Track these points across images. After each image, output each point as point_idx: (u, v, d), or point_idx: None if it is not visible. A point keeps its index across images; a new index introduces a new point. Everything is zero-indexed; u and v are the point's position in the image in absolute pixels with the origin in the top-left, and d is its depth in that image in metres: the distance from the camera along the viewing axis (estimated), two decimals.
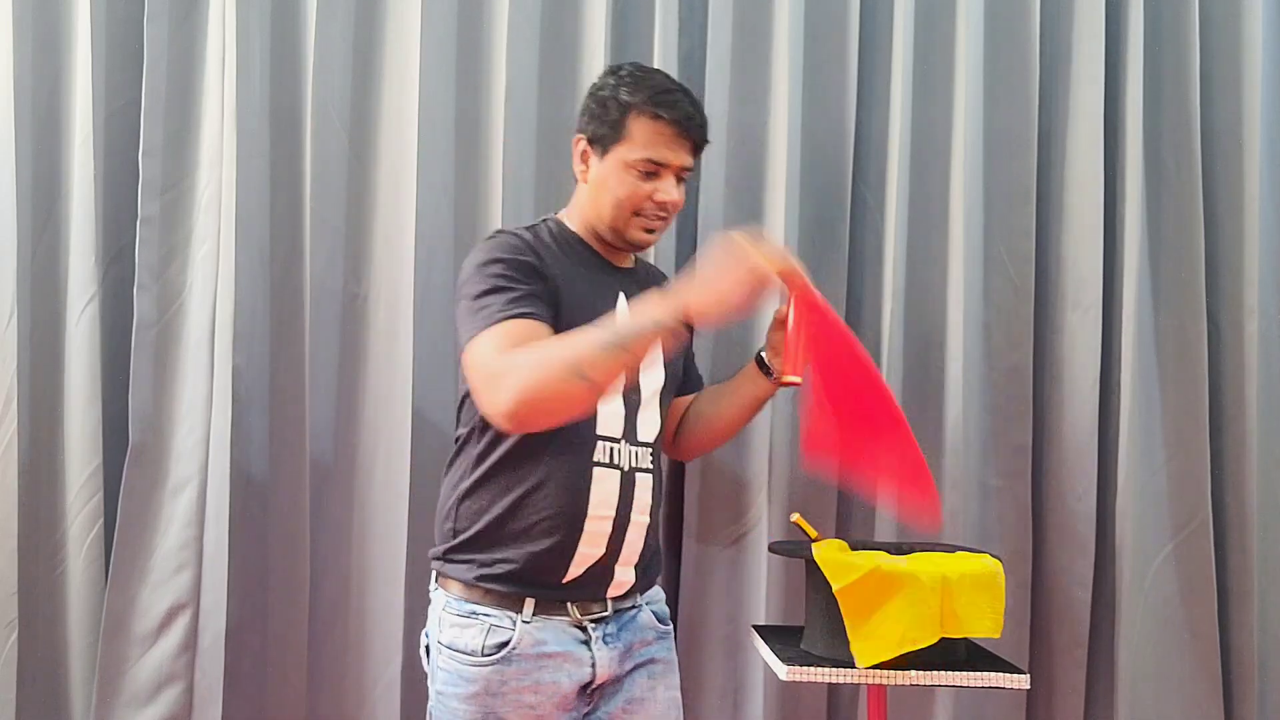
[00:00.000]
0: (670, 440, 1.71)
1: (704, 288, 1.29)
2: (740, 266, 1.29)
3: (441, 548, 1.49)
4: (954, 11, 1.93)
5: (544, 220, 1.56)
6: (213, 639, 1.81)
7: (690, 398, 1.72)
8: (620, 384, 1.44)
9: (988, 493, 1.92)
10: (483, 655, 1.41)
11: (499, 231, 1.51)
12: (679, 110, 1.47)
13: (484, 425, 1.44)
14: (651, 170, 1.47)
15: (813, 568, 1.59)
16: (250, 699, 1.84)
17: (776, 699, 1.87)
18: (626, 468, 1.48)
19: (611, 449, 1.47)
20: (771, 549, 1.75)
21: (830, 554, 1.53)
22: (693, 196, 1.93)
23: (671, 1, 1.90)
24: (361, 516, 1.89)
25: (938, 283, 1.94)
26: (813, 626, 1.61)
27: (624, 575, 1.50)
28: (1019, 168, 1.94)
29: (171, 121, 1.87)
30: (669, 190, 1.49)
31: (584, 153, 1.52)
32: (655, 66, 1.89)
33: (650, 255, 1.87)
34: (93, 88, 1.85)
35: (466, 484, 1.47)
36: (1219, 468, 1.95)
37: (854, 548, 1.66)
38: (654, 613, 1.58)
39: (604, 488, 1.46)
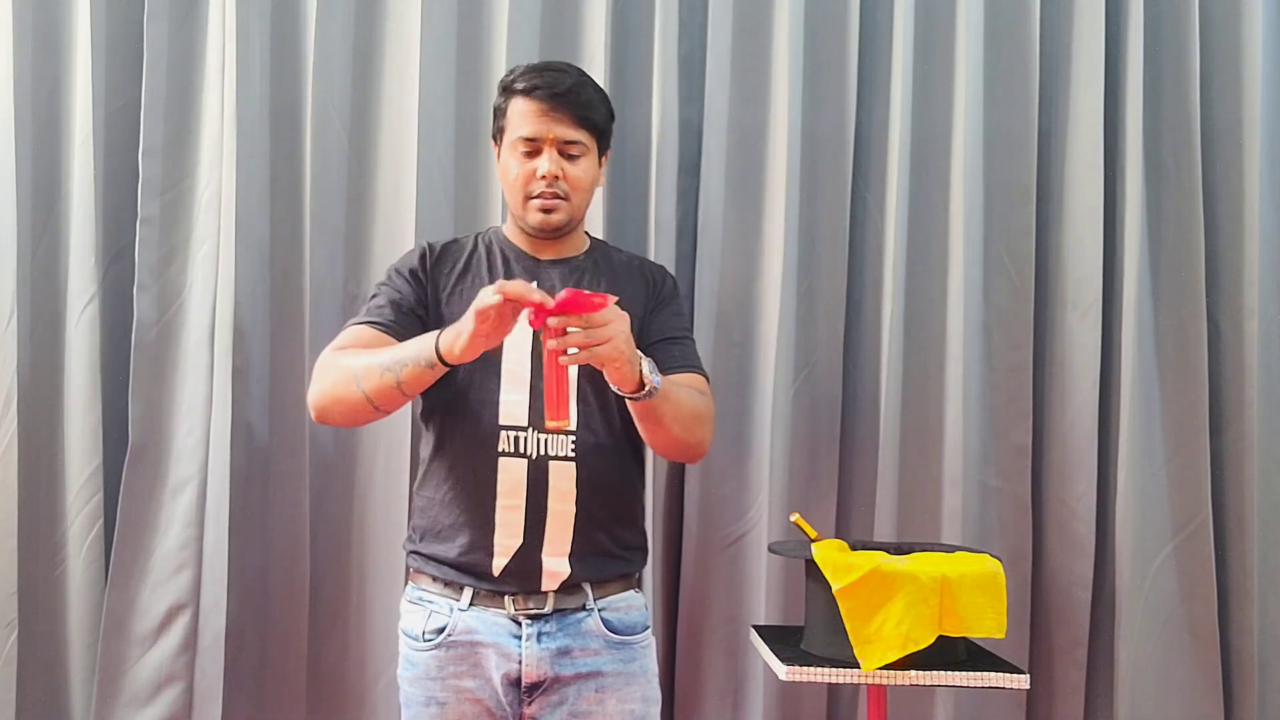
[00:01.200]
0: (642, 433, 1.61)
1: (452, 328, 1.35)
2: (473, 306, 1.31)
3: (407, 540, 1.57)
4: (954, 11, 1.93)
5: (490, 228, 1.65)
6: (213, 639, 1.81)
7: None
8: (524, 372, 1.48)
9: (988, 493, 1.92)
10: (423, 640, 1.49)
11: (423, 240, 1.62)
12: (546, 88, 1.49)
13: (425, 425, 1.55)
14: (531, 148, 1.51)
15: (813, 568, 1.59)
16: (250, 699, 1.84)
17: (776, 699, 1.87)
18: (535, 455, 1.47)
19: (516, 438, 1.48)
20: (771, 549, 1.75)
21: (830, 554, 1.53)
22: (693, 196, 1.94)
23: (671, 1, 1.90)
24: (361, 516, 1.89)
25: (938, 283, 1.94)
26: (813, 626, 1.61)
27: (555, 566, 1.47)
28: (1019, 168, 1.94)
29: (171, 121, 1.87)
30: (544, 163, 1.50)
31: (496, 154, 1.59)
32: (655, 65, 1.90)
33: (650, 253, 1.88)
34: (93, 88, 1.85)
35: (417, 482, 1.57)
36: (1219, 468, 1.95)
37: (854, 548, 1.66)
38: (608, 621, 1.50)
39: (509, 477, 1.47)
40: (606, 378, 1.37)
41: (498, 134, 1.58)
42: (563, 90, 1.50)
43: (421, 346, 1.37)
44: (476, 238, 1.62)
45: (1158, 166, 1.96)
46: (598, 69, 1.88)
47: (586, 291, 1.29)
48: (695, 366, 1.58)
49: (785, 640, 1.65)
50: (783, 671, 1.52)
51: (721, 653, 1.89)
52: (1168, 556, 1.93)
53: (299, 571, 1.85)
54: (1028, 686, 1.53)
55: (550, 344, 1.29)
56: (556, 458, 1.48)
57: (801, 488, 1.90)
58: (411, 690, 1.50)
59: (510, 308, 1.29)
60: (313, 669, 1.87)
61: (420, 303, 1.53)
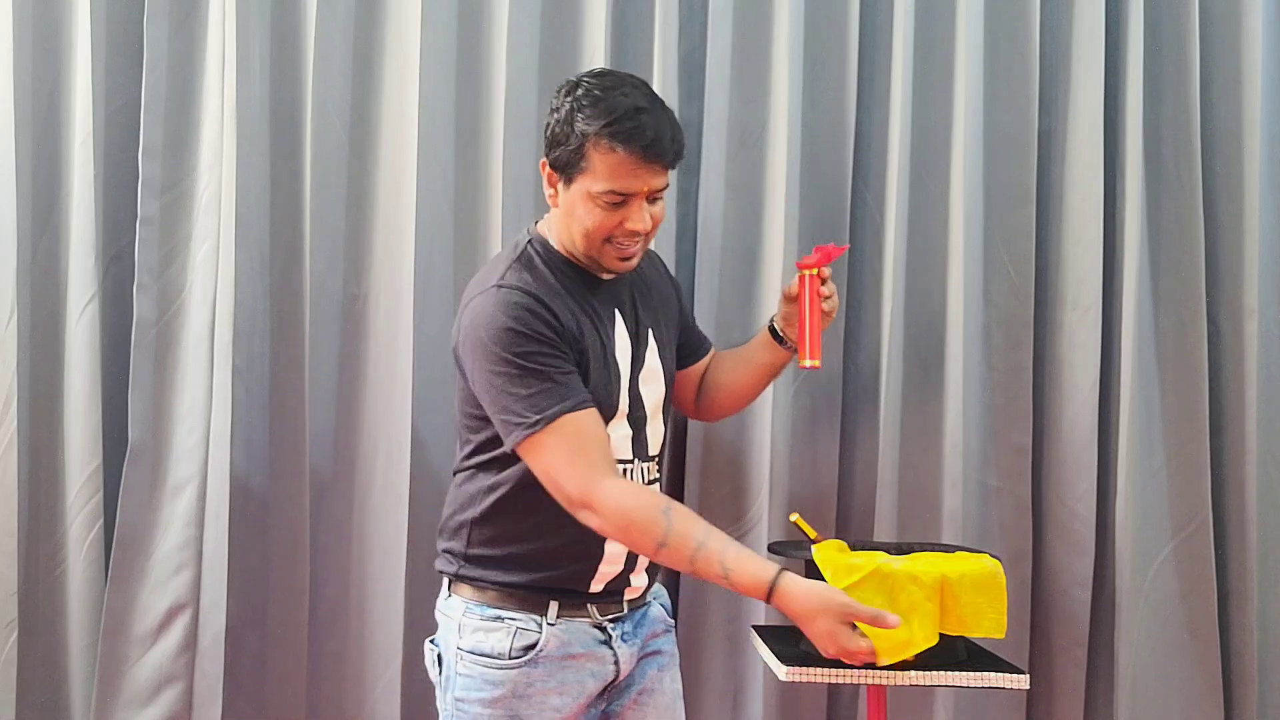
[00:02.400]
0: (693, 405, 1.73)
1: (812, 633, 1.36)
2: (836, 650, 1.36)
3: (456, 563, 1.48)
4: (954, 11, 1.93)
5: (529, 243, 1.47)
6: (213, 639, 1.81)
7: (705, 363, 1.70)
8: (623, 407, 1.46)
9: (988, 493, 1.92)
10: (510, 658, 1.41)
11: (506, 288, 1.39)
12: (641, 138, 1.34)
13: (503, 456, 1.42)
14: (618, 200, 1.37)
15: (813, 568, 1.59)
16: (250, 699, 1.85)
17: (776, 699, 1.87)
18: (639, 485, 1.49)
19: (625, 471, 1.47)
20: (771, 549, 1.75)
21: (830, 554, 1.53)
22: (693, 196, 1.93)
23: (671, 1, 1.90)
24: (361, 516, 1.89)
25: (938, 283, 1.94)
26: None
27: (639, 581, 1.52)
28: (1019, 168, 1.94)
29: (171, 121, 1.86)
30: (638, 219, 1.39)
31: (549, 177, 1.43)
32: (655, 65, 1.89)
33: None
34: (93, 88, 1.85)
35: (480, 509, 1.46)
36: (1219, 468, 1.95)
37: (854, 548, 1.66)
38: (661, 605, 1.62)
39: None
40: (785, 332, 1.63)
41: (566, 164, 1.38)
42: (664, 143, 1.36)
43: (757, 578, 1.32)
44: (541, 264, 1.45)
45: (1158, 166, 1.96)
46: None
47: (828, 247, 1.59)
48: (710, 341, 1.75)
49: (785, 640, 1.65)
50: (783, 671, 1.52)
51: (721, 653, 1.89)
52: (1168, 556, 1.93)
53: (299, 571, 1.85)
54: (1028, 686, 1.53)
55: (825, 289, 1.57)
56: (650, 482, 1.52)
57: (801, 488, 1.90)
58: (489, 712, 1.41)
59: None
60: (313, 669, 1.87)
61: (569, 358, 1.39)
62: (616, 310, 1.49)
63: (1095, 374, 1.91)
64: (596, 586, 1.47)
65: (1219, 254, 1.98)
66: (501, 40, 1.88)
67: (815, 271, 1.57)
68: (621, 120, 1.34)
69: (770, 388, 1.86)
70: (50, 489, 1.87)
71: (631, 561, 1.49)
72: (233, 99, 1.83)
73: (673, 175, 1.87)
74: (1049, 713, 1.93)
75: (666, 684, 1.57)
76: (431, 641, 1.52)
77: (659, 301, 1.59)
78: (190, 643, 1.83)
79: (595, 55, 1.88)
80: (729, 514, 1.89)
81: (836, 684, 1.91)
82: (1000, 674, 1.51)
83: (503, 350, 1.35)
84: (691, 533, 1.34)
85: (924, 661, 1.50)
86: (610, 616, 1.49)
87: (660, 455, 1.57)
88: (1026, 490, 1.92)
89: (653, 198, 1.41)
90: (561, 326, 1.39)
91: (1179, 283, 1.95)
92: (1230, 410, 1.95)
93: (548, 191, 1.45)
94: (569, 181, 1.40)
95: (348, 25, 1.90)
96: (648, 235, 1.44)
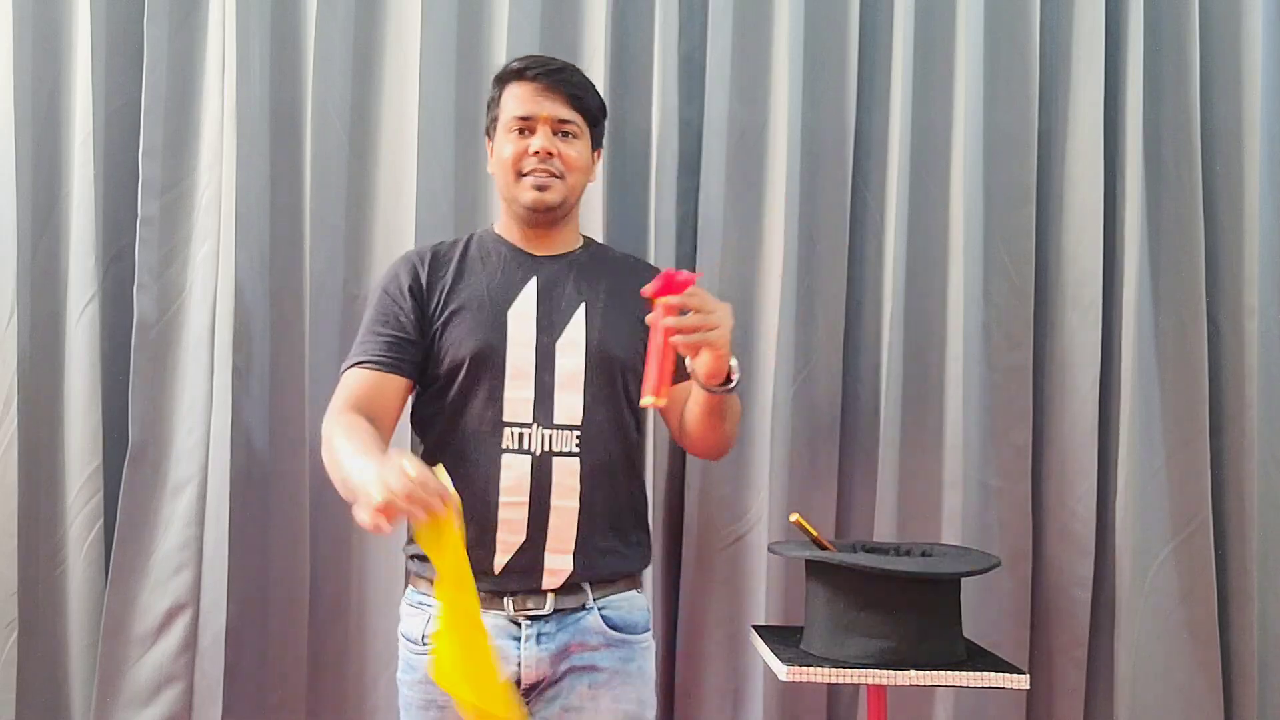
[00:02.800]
0: (677, 433, 1.61)
1: (360, 484, 1.27)
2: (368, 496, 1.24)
3: (405, 545, 1.58)
4: (954, 11, 1.93)
5: (477, 230, 1.64)
6: (213, 639, 1.81)
7: (687, 388, 1.55)
8: (524, 367, 1.49)
9: (988, 493, 1.92)
10: (421, 643, 1.49)
11: (408, 250, 1.64)
12: (536, 68, 1.52)
13: (424, 422, 1.55)
14: (525, 126, 1.52)
15: (813, 567, 1.60)
16: (250, 699, 1.84)
17: (776, 699, 1.87)
18: (539, 452, 1.47)
19: (520, 434, 1.47)
20: (771, 549, 1.75)
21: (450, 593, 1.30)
22: (692, 196, 1.94)
23: (671, 1, 1.90)
24: None
25: (938, 283, 1.94)
26: (813, 626, 1.61)
27: (557, 563, 1.47)
28: (1019, 168, 1.94)
29: (171, 121, 1.87)
30: (537, 140, 1.51)
31: (489, 149, 1.59)
32: (655, 65, 1.90)
33: (650, 254, 1.88)
34: (93, 88, 1.85)
35: None
36: (1219, 468, 1.95)
37: (854, 548, 1.66)
38: (609, 618, 1.50)
39: (513, 473, 1.46)
40: (697, 368, 1.41)
41: (491, 125, 1.58)
42: (556, 69, 1.53)
43: (360, 482, 1.27)
44: (465, 240, 1.61)
45: (1158, 166, 1.96)
46: (598, 69, 1.88)
47: (674, 271, 1.36)
48: None
49: (785, 640, 1.65)
50: (783, 671, 1.52)
51: (721, 653, 1.89)
52: (1168, 556, 1.93)
53: (299, 571, 1.85)
54: (1028, 686, 1.53)
55: (667, 321, 1.32)
56: (561, 453, 1.48)
57: (801, 488, 1.90)
58: (411, 694, 1.50)
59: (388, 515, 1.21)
60: (313, 669, 1.87)
61: (417, 322, 1.51)
62: (534, 278, 1.55)
63: (1095, 374, 1.91)
64: (502, 559, 1.45)
65: (1219, 254, 1.97)
66: (501, 40, 1.88)
67: (665, 301, 1.34)
68: (523, 60, 1.55)
69: (770, 387, 1.86)
70: (50, 489, 1.87)
71: (538, 536, 1.46)
72: (233, 99, 1.83)
73: (675, 178, 1.91)
74: (1049, 713, 1.93)
75: (603, 704, 1.47)
76: None
77: (627, 295, 1.53)
78: (190, 643, 1.83)
79: (595, 55, 1.88)
80: (729, 514, 1.90)
81: (836, 684, 1.91)
82: (1000, 674, 1.51)
83: (370, 299, 1.58)
84: (340, 463, 1.33)
85: (924, 661, 1.50)
86: (529, 613, 1.46)
87: (589, 431, 1.48)
88: (1026, 490, 1.92)
89: (561, 132, 1.52)
90: (425, 282, 1.53)
91: (1179, 283, 1.95)
92: (1230, 410, 1.95)
93: (490, 166, 1.60)
94: (492, 136, 1.58)
95: (348, 25, 1.90)
96: (564, 174, 1.52)
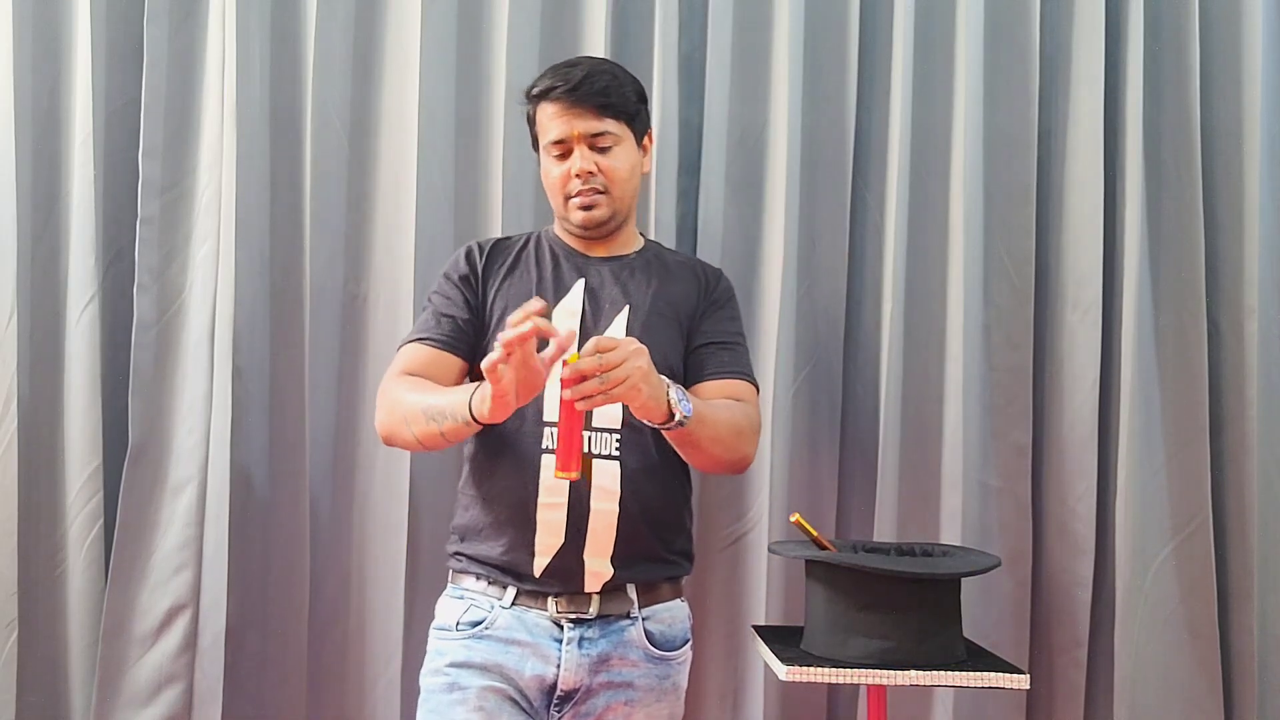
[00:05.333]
0: None
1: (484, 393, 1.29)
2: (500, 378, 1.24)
3: (450, 542, 1.56)
4: (954, 11, 1.93)
5: (542, 228, 1.65)
6: (213, 639, 1.81)
7: (709, 392, 1.53)
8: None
9: (988, 493, 1.92)
10: (455, 630, 1.47)
11: (473, 240, 1.62)
12: (556, 81, 1.50)
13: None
14: (562, 150, 1.51)
15: (813, 567, 1.60)
16: (250, 699, 1.84)
17: (776, 699, 1.87)
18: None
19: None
20: (771, 549, 1.75)
21: None
22: (692, 196, 1.94)
23: (671, 2, 1.90)
24: (361, 516, 1.89)
25: (938, 283, 1.94)
26: (813, 626, 1.61)
27: (597, 567, 1.45)
28: (1019, 168, 1.94)
29: (171, 121, 1.87)
30: (576, 161, 1.50)
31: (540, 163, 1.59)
32: (655, 65, 1.89)
33: None
34: (93, 88, 1.85)
35: (461, 480, 1.56)
36: (1219, 468, 1.95)
37: (854, 548, 1.66)
38: (651, 632, 1.49)
39: (549, 474, 1.44)
40: (632, 412, 1.34)
41: (535, 142, 1.58)
42: (575, 84, 1.49)
43: (458, 403, 1.35)
44: (527, 237, 1.63)
45: (1158, 166, 1.96)
46: None
47: (551, 333, 1.24)
48: (744, 374, 1.56)
49: (785, 640, 1.65)
50: (783, 671, 1.52)
51: (721, 653, 1.89)
52: (1168, 556, 1.93)
53: (299, 571, 1.85)
54: (1028, 686, 1.53)
55: (565, 393, 1.24)
56: (601, 456, 1.46)
57: (801, 488, 1.90)
58: (433, 679, 1.46)
59: (521, 351, 1.21)
60: (313, 669, 1.87)
61: (472, 308, 1.54)
62: (583, 280, 1.56)
63: (1095, 374, 1.91)
64: (543, 561, 1.44)
65: (1219, 254, 1.97)
66: (501, 40, 1.88)
67: (562, 374, 1.25)
68: (545, 77, 1.52)
69: (770, 387, 1.86)
70: (50, 489, 1.87)
71: (576, 538, 1.44)
72: (233, 99, 1.83)
73: (675, 178, 1.91)
74: (1049, 713, 1.93)
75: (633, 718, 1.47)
76: None
77: (669, 295, 1.56)
78: (190, 643, 1.83)
79: (595, 55, 1.88)
80: (729, 514, 1.90)
81: (836, 684, 1.91)
82: (1000, 674, 1.51)
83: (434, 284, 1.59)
84: (422, 403, 1.39)
85: (924, 661, 1.50)
86: (572, 616, 1.45)
87: (629, 434, 1.47)
88: (1026, 490, 1.92)
89: (598, 146, 1.51)
90: (482, 269, 1.55)
91: (1179, 283, 1.94)
92: (1230, 410, 1.95)
93: (543, 181, 1.59)
94: (538, 153, 1.57)
95: (348, 25, 1.90)
96: (608, 188, 1.52)
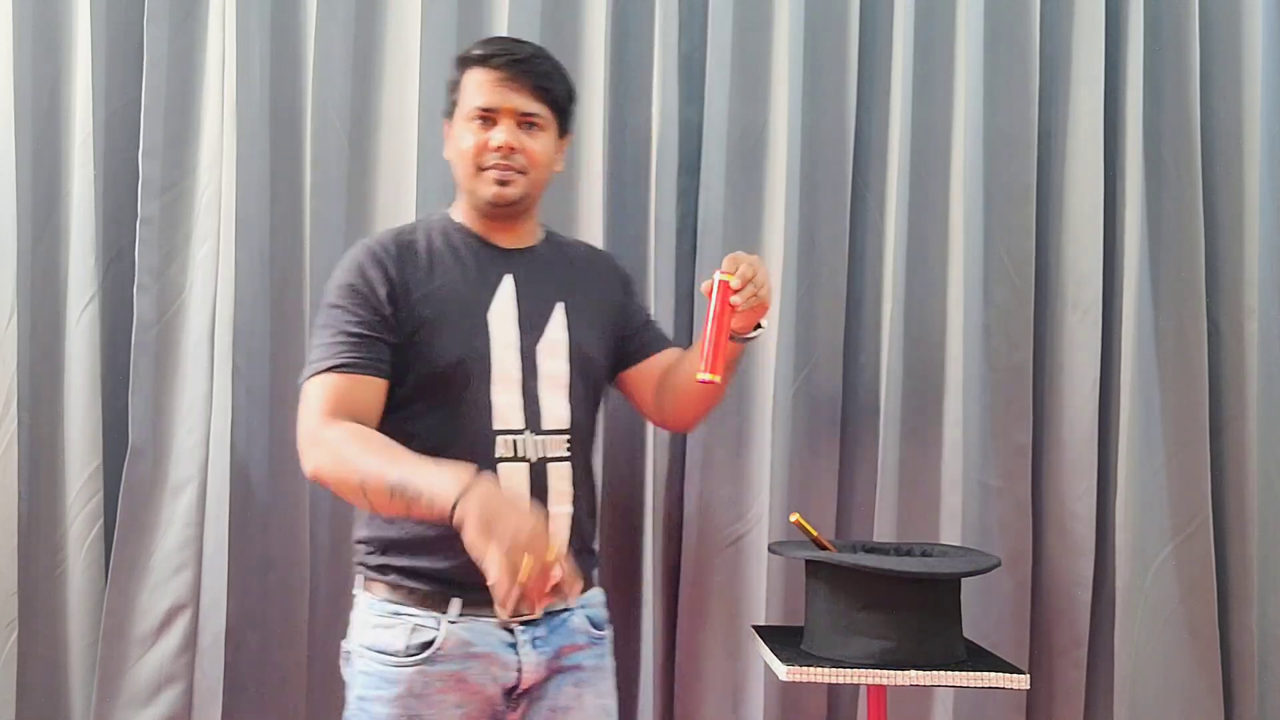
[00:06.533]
0: (652, 407, 1.60)
1: (482, 523, 1.19)
2: (510, 545, 1.18)
3: (363, 552, 1.47)
4: (954, 11, 1.93)
5: (430, 214, 1.55)
6: (213, 639, 1.81)
7: (660, 361, 1.59)
8: (510, 371, 1.43)
9: (988, 493, 1.92)
10: (405, 655, 1.39)
11: (366, 241, 1.47)
12: (500, 50, 1.45)
13: (404, 437, 1.38)
14: (486, 117, 1.44)
15: (813, 567, 1.60)
16: (250, 699, 1.84)
17: (776, 699, 1.87)
18: (535, 459, 1.43)
19: (515, 442, 1.42)
20: (771, 549, 1.75)
21: None
22: (692, 196, 1.94)
23: (671, 2, 1.90)
24: (361, 516, 1.88)
25: (938, 283, 1.94)
26: (813, 626, 1.61)
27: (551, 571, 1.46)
28: (1019, 168, 1.94)
29: (171, 121, 1.86)
30: (499, 134, 1.44)
31: (445, 132, 1.52)
32: (655, 65, 1.89)
33: (650, 253, 1.88)
34: (93, 88, 1.85)
35: None
36: (1219, 468, 1.95)
37: (855, 548, 1.66)
38: (589, 617, 1.51)
39: (512, 483, 1.41)
40: (739, 321, 1.39)
41: (450, 109, 1.50)
42: (522, 58, 1.45)
43: (437, 494, 1.22)
44: (423, 227, 1.51)
45: (1158, 166, 1.96)
46: (597, 69, 1.88)
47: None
48: (673, 343, 1.66)
49: (785, 640, 1.65)
50: (783, 671, 1.52)
51: (721, 653, 1.89)
52: (1168, 556, 1.93)
53: (299, 571, 1.85)
54: (1028, 686, 1.53)
55: (735, 299, 1.35)
56: (554, 459, 1.45)
57: (801, 488, 1.90)
58: (387, 710, 1.39)
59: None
60: (313, 669, 1.86)
61: (386, 319, 1.41)
62: (509, 276, 1.48)
63: (1095, 374, 1.91)
64: None
65: (1219, 254, 1.98)
66: None
67: (729, 278, 1.37)
68: (487, 44, 1.48)
69: (770, 387, 1.86)
70: (50, 489, 1.86)
71: None
72: (233, 99, 1.83)
73: (675, 178, 1.91)
74: (1049, 713, 1.93)
75: (588, 701, 1.48)
76: (346, 639, 1.49)
77: (588, 287, 1.55)
78: (190, 643, 1.83)
79: (595, 55, 1.88)
80: (729, 514, 1.90)
81: (836, 684, 1.91)
82: (1000, 674, 1.51)
83: (330, 296, 1.44)
84: (381, 472, 1.27)
85: (924, 661, 1.50)
86: (520, 618, 1.42)
87: (575, 435, 1.48)
88: (1026, 490, 1.92)
89: (527, 126, 1.46)
90: (398, 280, 1.42)
91: (1179, 283, 1.95)
92: (1230, 410, 1.95)
93: (446, 151, 1.52)
94: (451, 119, 1.50)
95: (348, 25, 1.90)
96: (527, 169, 1.46)
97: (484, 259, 1.49)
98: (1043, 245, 1.96)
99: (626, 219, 1.92)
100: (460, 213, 1.54)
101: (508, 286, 1.48)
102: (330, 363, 1.38)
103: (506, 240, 1.52)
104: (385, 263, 1.43)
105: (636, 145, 1.92)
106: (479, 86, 1.45)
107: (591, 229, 1.88)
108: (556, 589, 1.21)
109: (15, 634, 1.82)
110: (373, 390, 1.40)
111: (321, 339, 1.41)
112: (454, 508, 1.21)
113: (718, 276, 1.37)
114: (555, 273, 1.53)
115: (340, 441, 1.34)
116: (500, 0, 1.89)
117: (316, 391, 1.38)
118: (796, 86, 1.90)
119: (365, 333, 1.40)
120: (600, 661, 1.52)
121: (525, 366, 1.45)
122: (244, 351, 1.83)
